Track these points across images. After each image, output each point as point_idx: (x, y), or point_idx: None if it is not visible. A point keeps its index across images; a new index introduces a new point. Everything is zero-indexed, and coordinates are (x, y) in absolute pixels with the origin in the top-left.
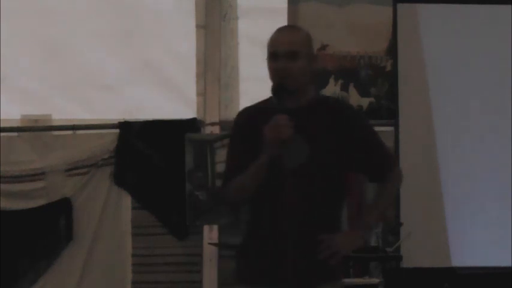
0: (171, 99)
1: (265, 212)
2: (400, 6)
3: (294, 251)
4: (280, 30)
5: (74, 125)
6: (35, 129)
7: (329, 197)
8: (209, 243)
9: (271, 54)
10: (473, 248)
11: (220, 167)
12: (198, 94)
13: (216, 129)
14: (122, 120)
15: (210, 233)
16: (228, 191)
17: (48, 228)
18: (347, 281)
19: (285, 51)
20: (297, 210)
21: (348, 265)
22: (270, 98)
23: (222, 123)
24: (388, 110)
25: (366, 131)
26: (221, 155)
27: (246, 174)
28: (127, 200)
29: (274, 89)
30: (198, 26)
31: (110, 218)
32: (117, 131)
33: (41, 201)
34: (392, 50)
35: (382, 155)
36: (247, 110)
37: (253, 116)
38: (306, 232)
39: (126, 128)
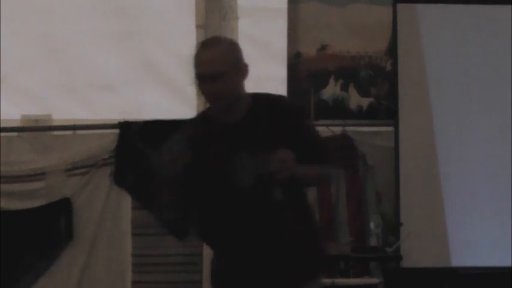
0: (171, 99)
1: (229, 233)
2: (400, 6)
3: (267, 263)
4: (201, 49)
5: (74, 125)
6: (35, 129)
7: (291, 198)
8: None
9: (197, 76)
10: (473, 248)
11: None
12: (198, 94)
13: None
14: (122, 120)
15: None
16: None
17: (48, 228)
18: (347, 281)
19: (209, 73)
20: (260, 222)
21: (348, 265)
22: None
23: None
24: (388, 110)
25: (305, 127)
26: None
27: None
28: (127, 200)
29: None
30: (198, 26)
31: (110, 218)
32: (117, 131)
33: (41, 201)
34: (392, 50)
35: (320, 151)
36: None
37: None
38: (276, 240)
39: (126, 128)
